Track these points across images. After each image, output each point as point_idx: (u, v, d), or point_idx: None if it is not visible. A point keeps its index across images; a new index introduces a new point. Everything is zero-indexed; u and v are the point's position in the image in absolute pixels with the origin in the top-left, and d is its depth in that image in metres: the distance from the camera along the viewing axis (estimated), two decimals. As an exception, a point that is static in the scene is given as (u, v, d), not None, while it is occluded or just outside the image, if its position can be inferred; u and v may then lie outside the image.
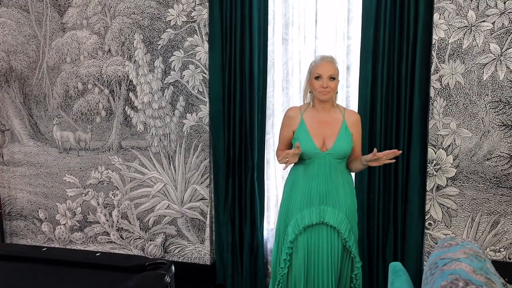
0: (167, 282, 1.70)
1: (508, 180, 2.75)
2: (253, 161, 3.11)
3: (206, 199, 3.28)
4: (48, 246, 3.58)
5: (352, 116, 2.45)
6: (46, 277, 1.79)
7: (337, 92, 2.42)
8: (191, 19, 3.15)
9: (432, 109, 2.81)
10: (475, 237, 2.81)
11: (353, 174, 2.63)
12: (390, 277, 1.82)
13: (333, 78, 2.34)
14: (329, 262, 2.34)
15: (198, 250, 3.34)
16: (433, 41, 2.76)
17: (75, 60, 3.41)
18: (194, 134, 3.25)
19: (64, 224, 3.59)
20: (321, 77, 2.32)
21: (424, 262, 2.89)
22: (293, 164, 2.48)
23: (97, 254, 1.91)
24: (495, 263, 2.21)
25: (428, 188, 2.86)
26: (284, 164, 2.28)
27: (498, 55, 2.69)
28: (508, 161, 2.74)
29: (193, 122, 3.25)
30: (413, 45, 2.78)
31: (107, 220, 3.49)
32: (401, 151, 2.25)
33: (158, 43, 3.23)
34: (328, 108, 2.42)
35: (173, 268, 1.78)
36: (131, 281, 1.65)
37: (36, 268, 1.83)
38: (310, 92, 2.44)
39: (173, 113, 3.27)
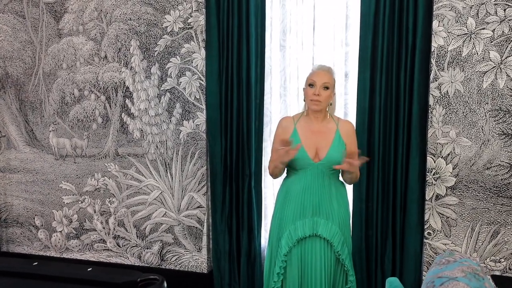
0: (159, 299, 1.67)
1: (508, 189, 2.71)
2: (250, 169, 3.08)
3: (203, 207, 3.25)
4: (42, 256, 3.56)
5: (346, 126, 2.41)
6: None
7: (331, 104, 2.37)
8: (188, 25, 3.12)
9: (431, 118, 2.77)
10: (475, 247, 2.78)
11: (349, 186, 2.59)
12: (387, 293, 1.79)
13: (327, 87, 2.30)
14: (322, 274, 2.30)
15: (195, 258, 3.31)
16: (432, 49, 2.72)
17: (71, 66, 3.38)
18: (191, 142, 3.22)
19: (61, 231, 3.56)
20: (315, 84, 2.29)
21: (424, 272, 2.85)
22: (285, 175, 2.45)
23: (89, 269, 1.88)
24: (495, 277, 2.18)
25: (427, 197, 2.83)
26: (273, 175, 2.42)
27: (498, 63, 2.65)
28: (508, 171, 2.70)
29: (190, 129, 3.21)
30: (412, 53, 2.75)
31: (104, 228, 3.46)
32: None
33: (155, 50, 3.20)
34: (321, 118, 2.38)
35: (165, 284, 1.75)
36: (122, 299, 1.62)
37: (27, 284, 1.80)
38: (304, 101, 2.40)
39: (170, 120, 3.24)
